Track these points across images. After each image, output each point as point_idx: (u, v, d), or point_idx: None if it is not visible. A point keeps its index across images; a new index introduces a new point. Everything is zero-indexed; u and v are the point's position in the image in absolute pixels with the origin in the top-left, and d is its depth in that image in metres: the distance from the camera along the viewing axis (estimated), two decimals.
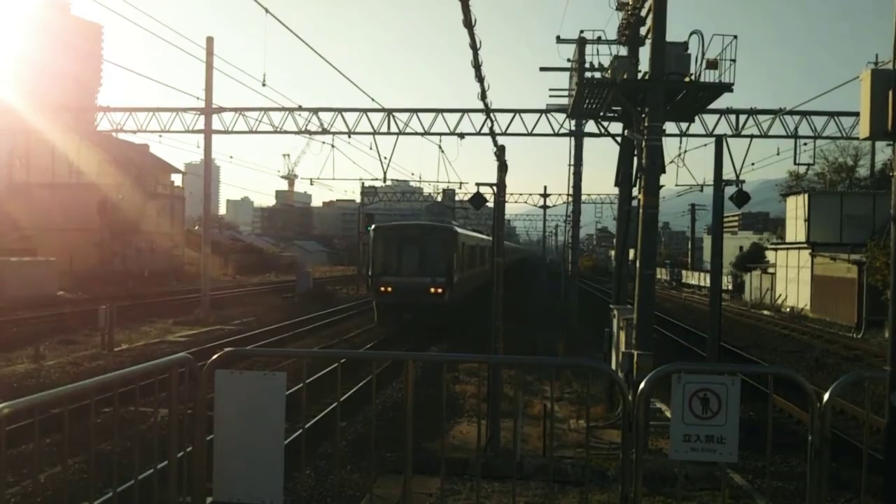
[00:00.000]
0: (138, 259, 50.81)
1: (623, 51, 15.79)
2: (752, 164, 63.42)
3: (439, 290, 25.20)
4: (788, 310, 41.57)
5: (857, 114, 21.82)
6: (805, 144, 29.88)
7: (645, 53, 14.18)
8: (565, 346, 20.87)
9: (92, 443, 4.45)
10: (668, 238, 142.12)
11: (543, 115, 30.17)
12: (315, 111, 31.63)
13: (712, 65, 13.26)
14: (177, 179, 62.64)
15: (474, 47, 9.65)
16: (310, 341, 24.22)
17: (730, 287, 55.28)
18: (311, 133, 32.29)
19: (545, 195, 48.91)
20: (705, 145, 26.08)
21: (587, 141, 30.11)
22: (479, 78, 11.43)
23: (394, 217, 60.65)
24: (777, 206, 67.11)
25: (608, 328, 14.84)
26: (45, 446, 9.05)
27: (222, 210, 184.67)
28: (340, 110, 31.47)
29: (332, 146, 32.95)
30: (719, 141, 15.59)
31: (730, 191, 17.46)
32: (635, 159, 14.80)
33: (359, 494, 8.50)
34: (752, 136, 28.90)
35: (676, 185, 34.86)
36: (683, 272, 75.70)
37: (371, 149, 31.16)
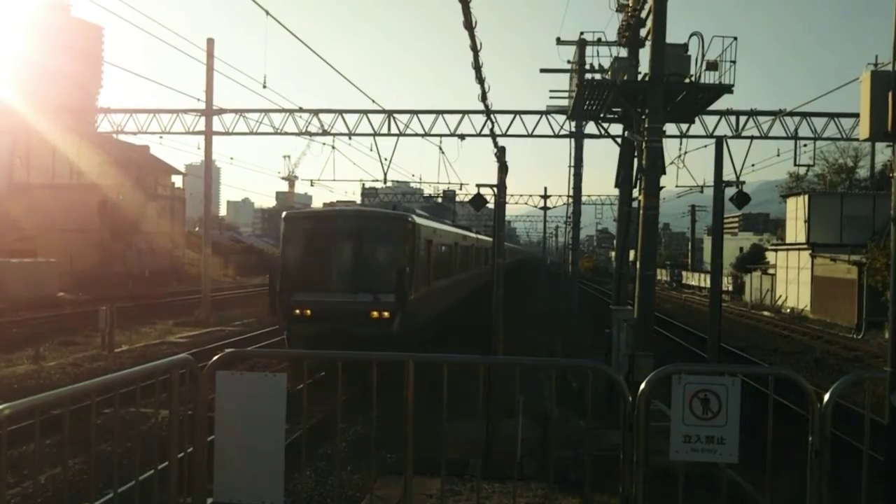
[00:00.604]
0: (139, 260, 50.82)
1: (623, 52, 15.80)
2: (753, 165, 63.49)
3: (385, 315, 16.29)
4: (788, 311, 41.56)
5: (856, 115, 21.82)
6: (805, 145, 29.93)
7: (645, 55, 14.21)
8: (566, 347, 20.89)
9: (92, 443, 4.45)
10: (669, 239, 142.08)
11: (544, 117, 30.21)
12: (315, 112, 31.65)
13: (712, 66, 13.28)
14: (177, 181, 62.67)
15: (475, 49, 9.66)
16: None
17: (730, 288, 55.27)
18: (311, 134, 32.31)
19: (545, 196, 48.88)
20: (705, 146, 26.09)
21: (587, 142, 30.15)
22: (480, 79, 11.45)
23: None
24: (777, 207, 67.12)
25: (608, 329, 14.84)
26: (46, 447, 9.07)
27: (223, 211, 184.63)
28: (341, 112, 31.49)
29: (333, 147, 32.96)
30: (719, 142, 15.58)
31: (730, 192, 17.46)
32: (635, 160, 14.81)
33: (359, 495, 8.50)
34: (752, 138, 28.93)
35: (677, 187, 34.84)
36: (683, 273, 75.70)
37: (371, 150, 31.11)
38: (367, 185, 55.63)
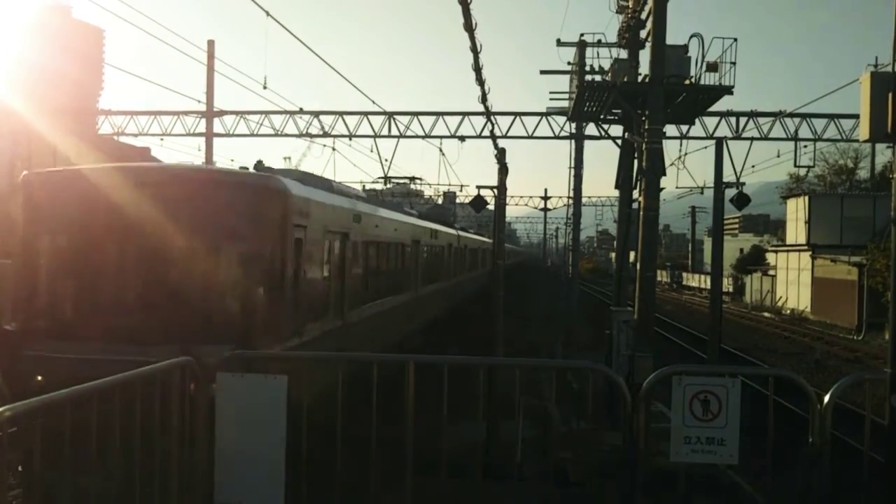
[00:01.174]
0: None
1: (623, 54, 15.82)
2: (753, 166, 62.94)
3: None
4: (789, 312, 41.55)
5: (857, 116, 21.84)
6: (805, 147, 29.90)
7: (645, 56, 14.22)
8: (566, 349, 20.89)
9: (93, 445, 4.45)
10: (669, 240, 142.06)
11: (544, 118, 30.20)
12: (316, 114, 31.66)
13: (712, 67, 13.30)
14: None
15: (475, 50, 9.67)
16: None
17: (730, 289, 55.26)
18: (311, 136, 32.30)
19: (546, 198, 48.94)
20: (706, 148, 26.07)
21: (588, 143, 30.13)
22: (480, 81, 11.46)
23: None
24: (777, 208, 67.09)
25: (609, 330, 14.84)
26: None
27: None
28: (341, 113, 31.50)
29: (333, 149, 32.94)
30: (719, 143, 15.62)
31: (730, 193, 17.50)
32: (636, 162, 14.83)
33: (360, 496, 8.50)
34: (752, 139, 28.92)
35: (677, 188, 34.83)
36: (684, 274, 75.71)
37: (372, 151, 31.08)
38: (368, 186, 55.59)
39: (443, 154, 31.23)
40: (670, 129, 22.88)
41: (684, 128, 25.79)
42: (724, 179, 15.51)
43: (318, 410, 5.71)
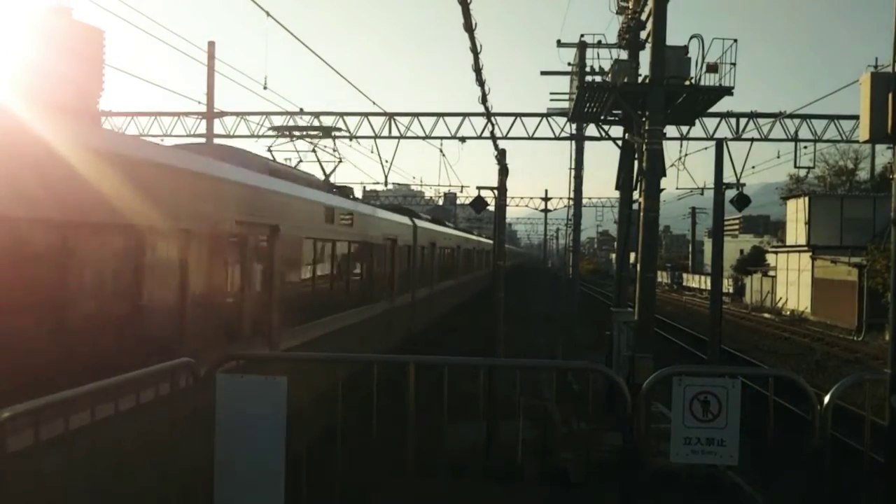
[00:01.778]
0: None
1: (623, 54, 15.84)
2: (753, 167, 62.92)
3: None
4: (789, 313, 41.55)
5: (856, 117, 21.86)
6: (805, 148, 29.88)
7: (645, 57, 14.23)
8: (566, 349, 20.89)
9: (94, 446, 4.45)
10: (669, 241, 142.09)
11: (544, 119, 30.18)
12: (316, 115, 31.66)
13: (712, 68, 13.31)
14: None
15: (475, 51, 9.67)
16: None
17: (730, 290, 55.25)
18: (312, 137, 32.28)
19: (546, 199, 48.95)
20: (706, 149, 26.07)
21: (588, 144, 30.13)
22: (480, 82, 11.45)
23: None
24: (777, 209, 67.09)
25: (609, 331, 14.84)
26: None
27: None
28: (342, 114, 31.50)
29: (334, 150, 32.96)
30: (720, 144, 15.63)
31: (730, 194, 17.52)
32: (636, 163, 14.83)
33: (360, 497, 8.50)
34: (752, 140, 28.90)
35: (677, 189, 34.87)
36: (684, 275, 75.70)
37: (372, 152, 31.08)
38: (368, 187, 55.63)
39: (443, 155, 31.27)
40: (670, 130, 22.91)
41: (684, 129, 25.80)
42: (725, 180, 15.51)
43: (319, 411, 5.72)
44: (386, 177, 33.36)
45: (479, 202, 19.50)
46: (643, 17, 14.49)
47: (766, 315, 42.02)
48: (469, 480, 8.10)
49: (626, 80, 14.48)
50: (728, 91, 13.59)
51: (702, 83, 13.44)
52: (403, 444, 5.21)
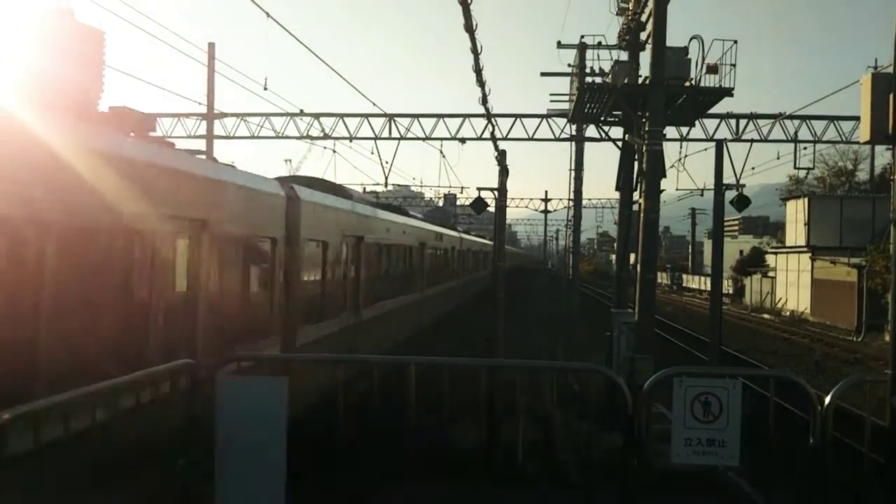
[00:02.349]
0: None
1: (624, 56, 15.86)
2: (753, 168, 62.81)
3: None
4: (789, 313, 41.56)
5: (856, 118, 21.87)
6: (805, 148, 29.87)
7: (645, 58, 14.24)
8: (566, 350, 20.88)
9: (95, 447, 4.46)
10: (669, 242, 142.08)
11: (544, 120, 30.18)
12: (317, 116, 31.65)
13: (712, 69, 13.32)
14: None
15: (475, 52, 9.68)
16: None
17: (730, 291, 55.25)
18: (312, 138, 32.30)
19: (546, 200, 48.92)
20: (706, 150, 26.05)
21: (588, 145, 30.12)
22: (481, 83, 11.47)
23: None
24: (777, 210, 67.12)
25: (609, 332, 14.85)
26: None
27: None
28: (342, 115, 31.49)
29: (334, 151, 32.98)
30: (719, 145, 15.61)
31: (730, 195, 17.49)
32: (636, 164, 14.85)
33: (361, 498, 8.50)
34: (752, 141, 28.90)
35: (677, 190, 34.87)
36: (684, 276, 75.72)
37: (372, 154, 31.06)
38: (369, 188, 55.55)
39: (443, 156, 31.27)
40: (670, 131, 22.91)
41: (684, 130, 25.81)
42: (724, 181, 15.51)
43: (320, 412, 5.73)
44: (386, 178, 33.38)
45: (479, 203, 19.50)
46: (643, 18, 14.50)
47: (766, 316, 42.03)
48: (470, 481, 8.10)
49: (626, 81, 14.49)
50: (728, 92, 13.60)
51: (702, 84, 13.45)
52: (404, 444, 5.22)
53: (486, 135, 24.78)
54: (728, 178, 18.06)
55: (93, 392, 4.24)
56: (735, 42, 13.69)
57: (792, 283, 43.32)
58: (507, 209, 16.91)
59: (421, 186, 57.89)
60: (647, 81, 12.84)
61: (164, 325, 5.71)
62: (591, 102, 15.30)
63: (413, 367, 5.17)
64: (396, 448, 5.51)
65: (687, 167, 29.89)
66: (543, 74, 23.46)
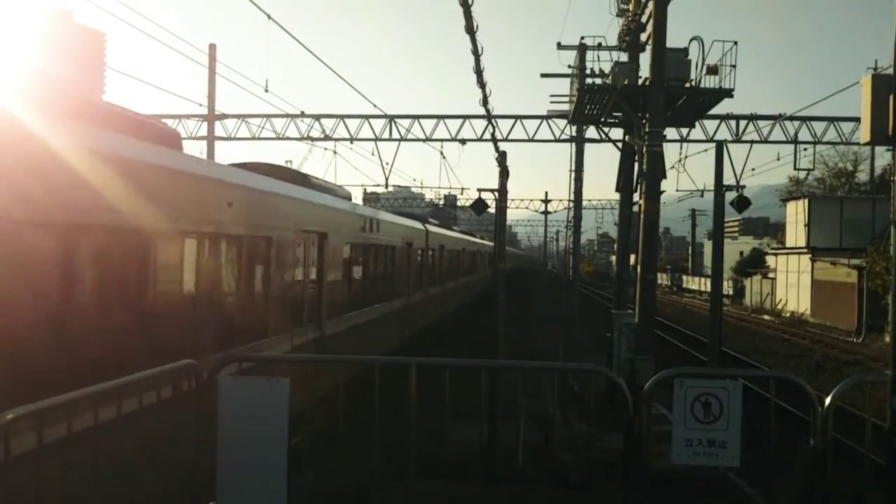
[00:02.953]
0: None
1: (624, 57, 15.88)
2: (753, 169, 62.89)
3: None
4: (789, 314, 41.56)
5: (856, 119, 21.88)
6: (805, 150, 29.89)
7: (645, 59, 14.26)
8: (567, 351, 20.88)
9: (96, 448, 4.46)
10: (669, 243, 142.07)
11: (545, 121, 30.21)
12: (317, 117, 31.67)
13: (712, 71, 13.34)
14: None
15: (476, 53, 9.68)
16: None
17: (730, 292, 55.25)
18: (313, 139, 32.32)
19: (546, 201, 48.91)
20: (706, 151, 26.10)
21: (588, 146, 30.13)
22: (481, 84, 11.46)
23: None
24: (777, 211, 67.13)
25: (610, 333, 14.85)
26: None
27: None
28: (342, 117, 31.51)
29: (335, 152, 32.97)
30: (720, 146, 15.61)
31: (730, 196, 17.51)
32: (636, 165, 14.86)
33: (361, 499, 8.51)
34: (752, 142, 28.93)
35: (677, 191, 34.91)
36: (684, 277, 75.72)
37: (373, 155, 31.07)
38: (369, 189, 55.56)
39: (444, 157, 31.29)
40: (670, 133, 22.93)
41: (684, 131, 25.83)
42: (724, 182, 15.52)
43: (320, 413, 5.73)
44: (387, 179, 33.39)
45: (479, 204, 19.51)
46: (643, 19, 14.52)
47: (766, 317, 42.02)
48: (470, 482, 8.11)
49: (626, 82, 14.51)
50: (728, 93, 13.61)
51: (702, 85, 13.47)
52: (405, 445, 5.23)
53: (487, 136, 24.80)
54: (728, 179, 18.12)
55: (94, 393, 4.25)
56: (735, 43, 13.71)
57: (792, 285, 43.33)
58: (508, 210, 16.89)
59: (421, 188, 57.86)
60: (647, 82, 12.86)
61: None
62: (592, 103, 15.31)
63: (414, 368, 5.17)
64: (397, 448, 5.52)
65: (687, 168, 29.96)
66: (544, 76, 23.52)
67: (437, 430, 5.59)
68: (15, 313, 4.43)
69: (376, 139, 31.08)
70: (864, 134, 5.38)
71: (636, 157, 14.61)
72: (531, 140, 30.75)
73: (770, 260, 51.05)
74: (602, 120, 16.23)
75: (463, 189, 49.41)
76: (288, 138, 32.00)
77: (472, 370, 7.31)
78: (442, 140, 30.65)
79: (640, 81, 14.50)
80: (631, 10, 15.19)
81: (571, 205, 33.76)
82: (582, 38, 16.04)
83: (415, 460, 5.17)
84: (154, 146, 6.36)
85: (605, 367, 13.01)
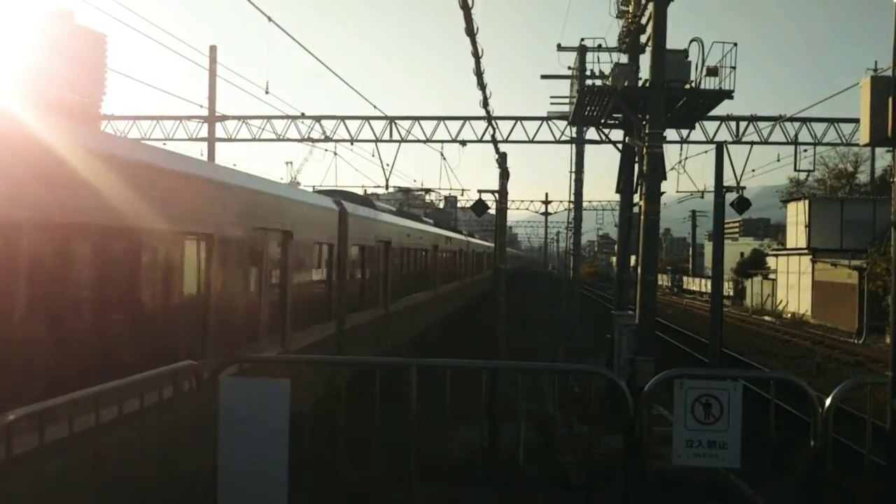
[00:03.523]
0: None
1: (623, 58, 15.89)
2: (753, 170, 62.74)
3: None
4: (789, 315, 41.55)
5: (856, 120, 21.88)
6: (805, 151, 29.88)
7: (645, 61, 14.27)
8: (568, 352, 20.88)
9: (97, 449, 4.46)
10: (670, 244, 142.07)
11: (545, 123, 30.23)
12: (318, 119, 31.68)
13: (712, 72, 13.35)
14: None
15: (476, 55, 9.69)
16: None
17: (731, 293, 55.23)
18: (313, 141, 32.33)
19: (546, 202, 48.90)
20: (706, 152, 26.08)
21: (588, 148, 30.08)
22: (481, 86, 11.47)
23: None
24: (778, 212, 67.14)
25: (610, 334, 14.85)
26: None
27: None
28: (343, 118, 31.52)
29: (335, 154, 33.00)
30: (720, 148, 15.64)
31: (730, 197, 17.53)
32: (636, 166, 14.87)
33: (362, 500, 8.51)
34: (752, 143, 28.93)
35: (677, 192, 34.85)
36: (684, 278, 75.70)
37: (373, 156, 31.09)
38: (370, 191, 55.46)
39: (444, 158, 31.30)
40: (671, 134, 22.91)
41: (684, 132, 25.83)
42: (725, 183, 15.54)
43: (321, 414, 5.73)
44: (387, 180, 33.39)
45: (479, 205, 19.50)
46: (643, 20, 14.53)
47: (767, 318, 42.01)
48: (471, 483, 8.11)
49: (626, 83, 14.51)
50: (728, 94, 13.61)
51: (702, 87, 13.47)
52: (405, 447, 5.23)
53: (487, 137, 24.82)
54: (728, 180, 18.13)
55: (95, 393, 4.25)
56: (735, 44, 13.72)
57: (793, 286, 43.32)
58: (508, 211, 16.87)
59: (421, 189, 57.79)
60: (648, 84, 12.86)
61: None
62: (592, 105, 15.32)
63: (414, 369, 5.17)
64: (398, 449, 5.53)
65: (687, 169, 29.91)
66: (544, 77, 23.49)
67: (438, 432, 5.59)
68: None
69: (377, 140, 31.09)
70: (863, 135, 5.38)
71: (636, 159, 14.61)
72: (531, 141, 30.77)
73: (770, 261, 51.04)
74: (602, 121, 16.23)
75: (463, 190, 49.39)
76: (288, 139, 32.02)
77: (472, 371, 7.31)
78: (442, 141, 30.67)
79: (640, 83, 14.50)
80: (631, 11, 15.20)
81: (572, 206, 33.76)
82: (582, 39, 16.05)
83: (415, 461, 5.17)
84: None
85: (605, 368, 13.01)
